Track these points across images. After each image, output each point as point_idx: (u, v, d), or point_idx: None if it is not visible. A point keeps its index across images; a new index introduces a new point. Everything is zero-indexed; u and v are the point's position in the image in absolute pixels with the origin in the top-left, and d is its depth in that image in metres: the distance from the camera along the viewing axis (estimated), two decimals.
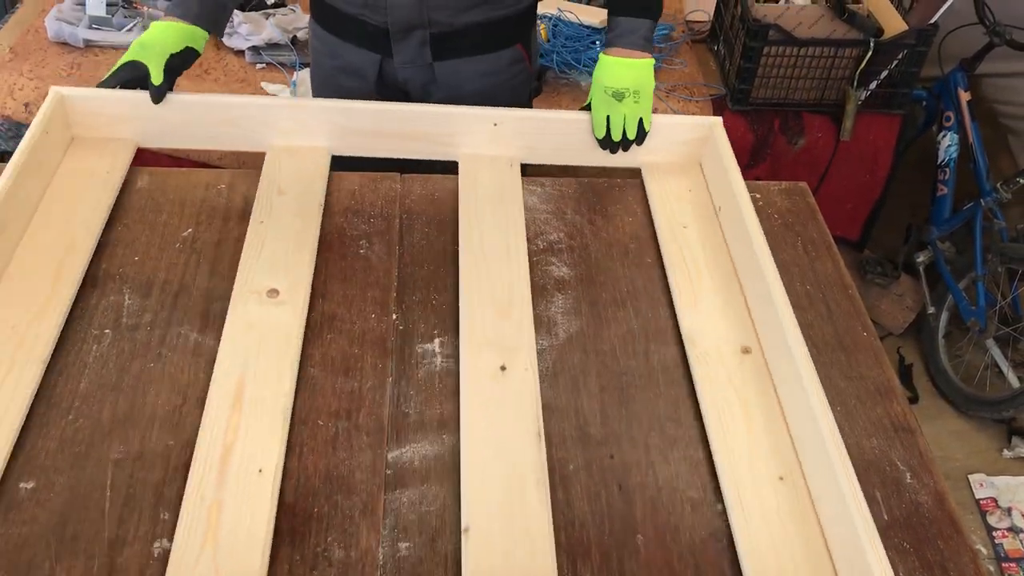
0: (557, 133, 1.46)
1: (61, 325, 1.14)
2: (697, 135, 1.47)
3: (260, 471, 0.99)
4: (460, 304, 1.21)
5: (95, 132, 1.41)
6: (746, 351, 1.19)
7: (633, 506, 1.03)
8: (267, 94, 2.28)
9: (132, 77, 1.35)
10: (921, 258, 2.70)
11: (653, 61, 1.43)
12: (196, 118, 1.42)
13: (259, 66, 2.37)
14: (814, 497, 1.03)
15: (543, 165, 1.50)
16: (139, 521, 0.97)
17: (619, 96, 1.40)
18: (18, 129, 2.14)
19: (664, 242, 1.35)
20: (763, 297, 1.19)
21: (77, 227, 1.26)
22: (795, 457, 1.07)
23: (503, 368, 1.12)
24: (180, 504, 0.98)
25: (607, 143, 1.44)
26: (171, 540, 0.95)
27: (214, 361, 1.13)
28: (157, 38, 1.36)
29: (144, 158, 1.44)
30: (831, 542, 0.98)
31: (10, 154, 2.24)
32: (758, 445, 1.08)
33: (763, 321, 1.20)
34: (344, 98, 1.44)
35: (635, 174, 1.54)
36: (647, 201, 1.44)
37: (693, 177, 1.47)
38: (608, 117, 1.42)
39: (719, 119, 1.47)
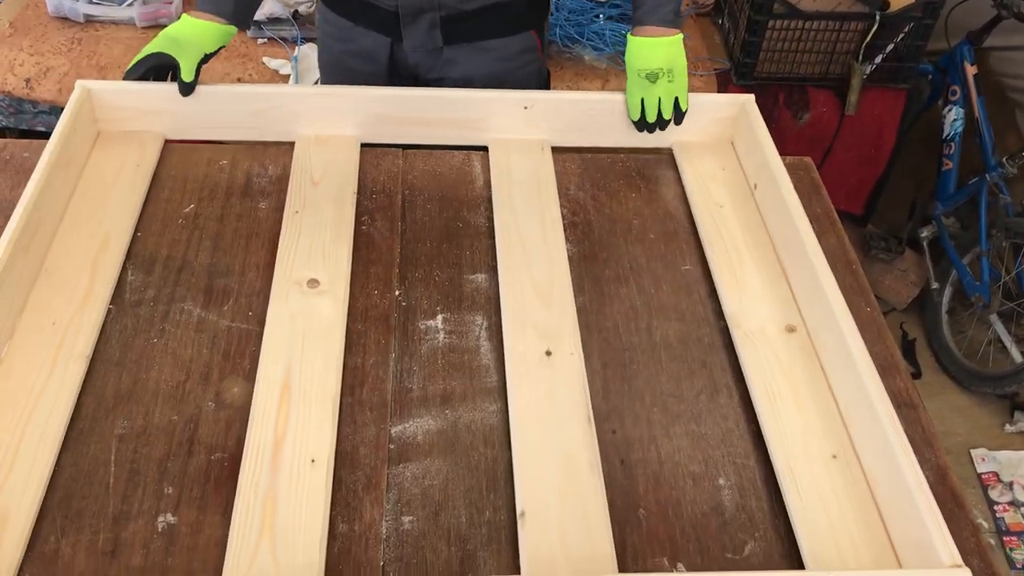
0: (588, 114, 1.44)
1: (101, 320, 1.14)
2: (729, 113, 1.46)
3: (313, 461, 0.99)
4: (500, 289, 1.20)
5: (122, 126, 1.41)
6: (791, 329, 1.19)
7: (635, 481, 1.03)
8: (269, 69, 2.27)
9: (159, 65, 1.34)
10: (925, 233, 2.69)
11: (682, 36, 1.39)
12: (224, 109, 1.41)
13: (260, 41, 2.35)
14: (868, 475, 1.03)
15: (574, 147, 1.49)
16: (143, 496, 0.97)
17: (652, 77, 1.37)
18: (19, 105, 2.13)
19: (701, 222, 1.34)
20: (807, 274, 1.18)
21: (111, 222, 1.26)
22: (847, 435, 1.07)
23: (548, 353, 1.13)
24: (183, 479, 0.99)
25: (643, 125, 1.42)
26: (175, 515, 0.96)
27: (216, 337, 1.13)
28: (192, 36, 1.34)
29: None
30: (889, 521, 0.98)
31: (11, 130, 2.24)
32: (809, 424, 1.08)
33: (807, 298, 1.19)
34: (355, 82, 1.44)
35: (640, 149, 1.54)
36: (654, 178, 1.44)
37: (726, 155, 1.47)
38: (643, 100, 1.40)
39: (751, 96, 1.46)
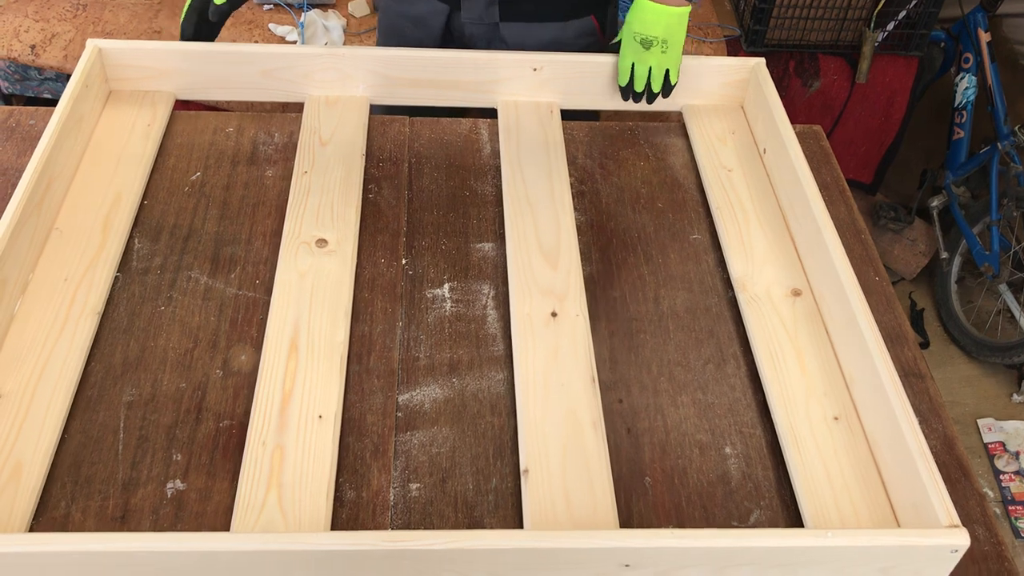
0: (598, 77, 1.43)
1: (113, 276, 1.15)
2: (739, 77, 1.46)
3: (320, 417, 1.00)
4: (507, 251, 1.21)
5: (133, 85, 1.41)
6: (796, 293, 1.19)
7: (641, 450, 1.03)
8: (275, 36, 2.26)
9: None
10: (935, 203, 2.67)
11: (689, 9, 1.36)
12: (234, 69, 1.40)
13: (266, 7, 2.34)
14: (870, 437, 1.03)
15: (583, 111, 1.48)
16: (152, 463, 0.98)
17: (647, 44, 1.34)
18: (24, 71, 2.12)
19: (709, 185, 1.34)
20: (814, 239, 1.18)
21: (122, 181, 1.26)
22: (849, 398, 1.07)
23: (554, 314, 1.13)
24: (192, 446, 0.99)
25: (629, 92, 1.40)
26: (184, 481, 0.96)
27: (224, 305, 1.13)
28: None
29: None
30: (889, 482, 0.99)
31: (17, 97, 2.24)
32: (812, 386, 1.08)
33: (814, 263, 1.19)
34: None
35: (648, 117, 1.53)
36: (663, 147, 1.43)
37: (736, 119, 1.46)
38: (633, 65, 1.38)
39: (762, 60, 1.45)
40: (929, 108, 2.69)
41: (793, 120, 1.34)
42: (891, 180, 2.71)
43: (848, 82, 2.36)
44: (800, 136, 1.34)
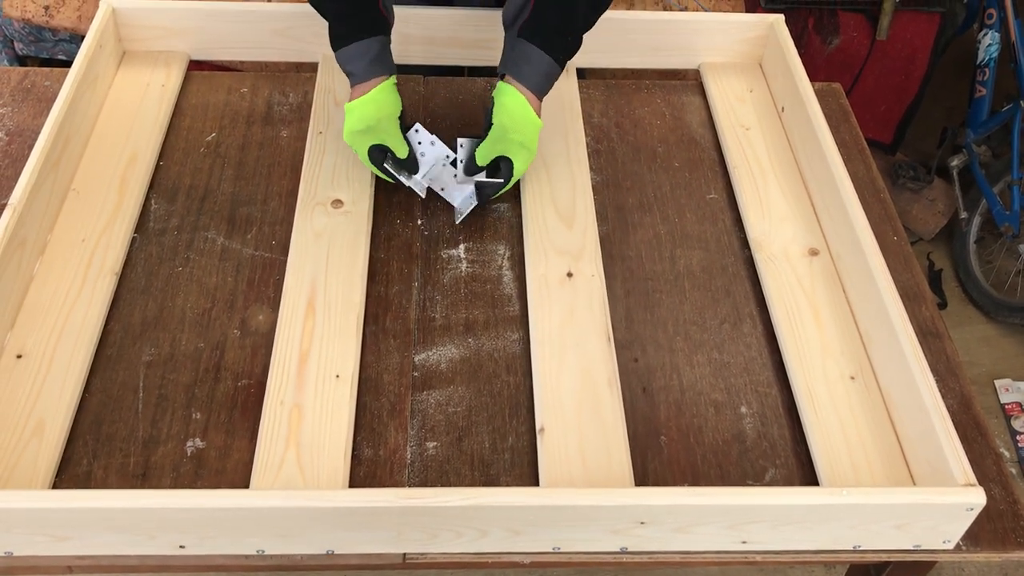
0: (612, 35, 1.42)
1: (130, 236, 1.16)
2: (757, 33, 1.44)
3: (337, 377, 1.01)
4: (523, 211, 1.20)
5: (147, 45, 1.41)
6: (814, 252, 1.18)
7: (656, 408, 1.04)
8: None
9: (382, 152, 1.18)
10: (955, 162, 2.64)
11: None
12: (248, 29, 1.40)
13: None
14: (886, 396, 1.03)
15: (597, 69, 1.46)
16: (171, 421, 0.99)
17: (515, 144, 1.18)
18: (39, 33, 2.12)
19: (726, 143, 1.33)
20: (832, 198, 1.18)
21: (137, 142, 1.27)
22: (866, 357, 1.07)
23: (569, 274, 1.13)
24: (211, 405, 1.00)
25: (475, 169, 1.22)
26: (204, 439, 0.97)
27: (240, 265, 1.14)
28: (379, 112, 1.16)
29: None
30: (905, 441, 0.99)
31: (32, 58, 2.23)
32: (829, 345, 1.08)
33: (832, 222, 1.18)
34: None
35: (665, 75, 1.51)
36: (679, 105, 1.41)
37: (754, 77, 1.44)
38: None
39: (781, 16, 1.43)
40: (951, 65, 2.65)
41: (812, 78, 1.33)
42: (910, 138, 2.67)
43: (868, 39, 2.32)
44: (819, 94, 1.32)
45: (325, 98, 1.34)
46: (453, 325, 1.10)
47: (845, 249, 1.14)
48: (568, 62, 1.20)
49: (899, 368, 1.00)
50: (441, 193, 1.22)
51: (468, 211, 1.20)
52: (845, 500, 0.87)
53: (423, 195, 1.22)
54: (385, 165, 1.18)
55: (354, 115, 1.16)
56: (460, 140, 1.23)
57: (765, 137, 1.34)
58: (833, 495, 0.88)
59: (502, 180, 1.19)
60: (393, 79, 1.18)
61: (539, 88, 1.18)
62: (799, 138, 1.30)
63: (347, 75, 1.17)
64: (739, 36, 1.44)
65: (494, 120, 1.17)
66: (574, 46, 1.19)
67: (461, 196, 1.21)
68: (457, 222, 1.21)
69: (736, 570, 1.70)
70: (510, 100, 1.16)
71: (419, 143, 1.20)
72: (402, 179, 1.19)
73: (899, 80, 2.42)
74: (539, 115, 1.18)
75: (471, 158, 1.20)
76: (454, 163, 1.22)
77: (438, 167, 1.21)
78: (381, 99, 1.16)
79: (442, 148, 1.20)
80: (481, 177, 1.20)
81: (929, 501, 0.88)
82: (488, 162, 1.19)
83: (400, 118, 1.19)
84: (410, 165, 1.19)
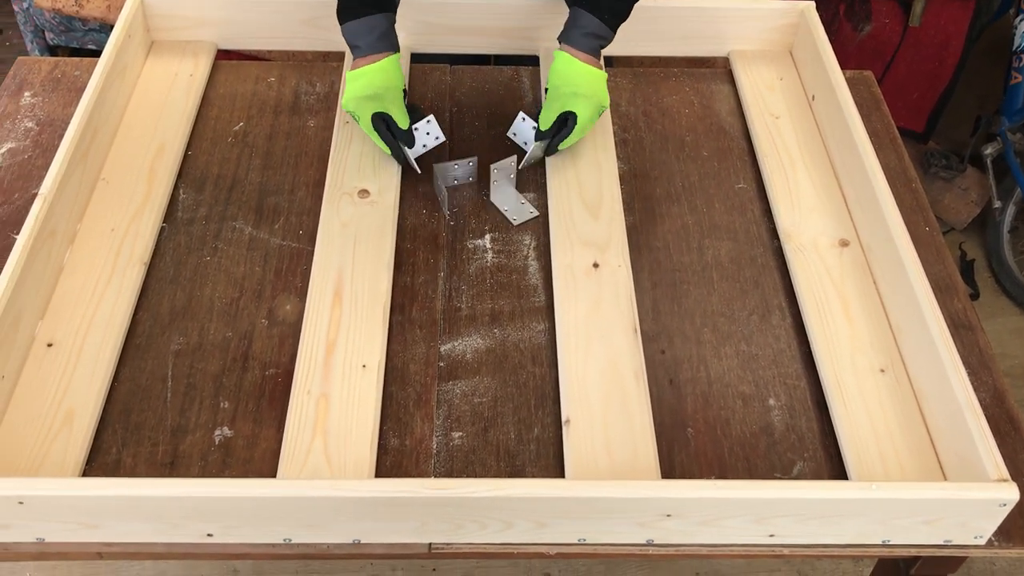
0: (642, 21, 1.40)
1: (159, 226, 1.17)
2: (787, 21, 1.42)
3: (364, 366, 1.01)
4: (548, 201, 1.20)
5: (175, 35, 1.41)
6: (844, 243, 1.17)
7: (684, 400, 1.03)
8: None
9: (383, 119, 1.19)
10: (989, 150, 2.60)
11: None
12: (275, 18, 1.40)
13: None
14: (917, 390, 1.02)
15: (625, 57, 1.44)
16: (200, 410, 1.00)
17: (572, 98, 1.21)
18: (69, 23, 2.14)
19: (756, 132, 1.32)
20: (864, 188, 1.16)
21: (165, 132, 1.27)
22: (896, 350, 1.06)
23: (595, 265, 1.12)
24: (239, 394, 1.01)
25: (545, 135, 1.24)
26: (232, 428, 0.98)
27: (268, 255, 1.14)
28: (383, 82, 1.18)
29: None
30: (935, 435, 0.98)
31: (62, 48, 2.25)
32: (858, 338, 1.07)
33: (863, 213, 1.17)
34: None
35: (694, 63, 1.50)
36: (708, 93, 1.40)
37: (784, 65, 1.43)
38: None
39: (811, 3, 1.41)
40: (985, 52, 2.60)
41: (843, 66, 1.31)
42: (943, 127, 2.64)
43: (900, 26, 2.29)
44: (850, 82, 1.30)
45: None
46: (479, 315, 1.10)
47: (876, 240, 1.13)
48: (619, 27, 1.23)
49: (930, 361, 0.98)
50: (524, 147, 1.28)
51: (534, 160, 1.25)
52: (875, 495, 0.86)
53: (419, 170, 1.23)
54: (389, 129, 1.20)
55: (361, 81, 1.17)
56: (522, 114, 1.28)
57: (795, 126, 1.32)
58: (862, 490, 0.87)
59: (568, 133, 1.21)
60: (398, 55, 1.20)
61: (589, 47, 1.21)
62: (830, 127, 1.28)
63: (351, 48, 1.19)
64: (769, 23, 1.42)
65: (548, 85, 1.22)
66: (621, 8, 1.21)
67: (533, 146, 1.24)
68: (520, 166, 1.24)
69: (762, 562, 1.70)
70: (557, 62, 1.21)
71: (428, 133, 1.22)
72: (405, 151, 1.21)
73: (932, 67, 2.38)
74: (600, 68, 1.21)
75: (537, 128, 1.23)
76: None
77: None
78: (389, 69, 1.18)
79: (441, 138, 1.23)
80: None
81: (960, 496, 0.87)
82: (551, 124, 1.21)
83: (404, 94, 1.22)
84: (407, 139, 1.20)
